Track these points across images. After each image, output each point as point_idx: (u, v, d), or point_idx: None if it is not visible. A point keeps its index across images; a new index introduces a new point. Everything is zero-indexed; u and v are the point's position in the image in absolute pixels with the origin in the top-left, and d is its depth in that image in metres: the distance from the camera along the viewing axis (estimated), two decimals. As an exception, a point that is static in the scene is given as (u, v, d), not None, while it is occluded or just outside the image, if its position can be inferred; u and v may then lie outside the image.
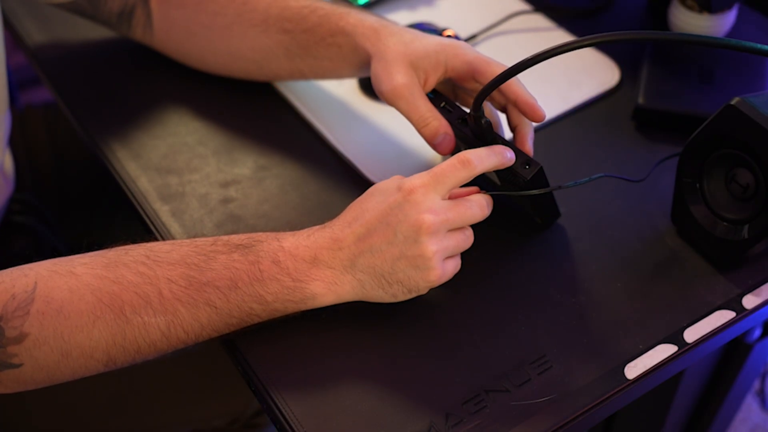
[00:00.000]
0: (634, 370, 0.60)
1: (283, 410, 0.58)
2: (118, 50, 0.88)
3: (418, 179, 0.59)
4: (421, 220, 0.58)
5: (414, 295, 0.61)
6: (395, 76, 0.67)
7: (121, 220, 0.97)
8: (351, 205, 0.62)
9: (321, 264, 0.59)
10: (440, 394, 0.59)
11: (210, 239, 0.61)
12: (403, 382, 0.60)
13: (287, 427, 0.58)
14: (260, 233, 0.61)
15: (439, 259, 0.59)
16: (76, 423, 0.84)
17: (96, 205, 1.00)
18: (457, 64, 0.66)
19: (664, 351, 0.61)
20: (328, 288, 0.60)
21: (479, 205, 0.61)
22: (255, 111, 0.83)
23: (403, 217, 0.58)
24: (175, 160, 0.77)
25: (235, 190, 0.74)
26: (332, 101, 0.83)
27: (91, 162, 0.84)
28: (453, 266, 0.61)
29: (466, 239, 0.61)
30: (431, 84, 0.68)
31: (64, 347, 0.57)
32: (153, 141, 0.79)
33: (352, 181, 0.75)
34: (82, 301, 0.56)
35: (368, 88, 0.84)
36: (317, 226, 0.62)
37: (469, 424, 0.57)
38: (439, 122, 0.67)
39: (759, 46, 0.53)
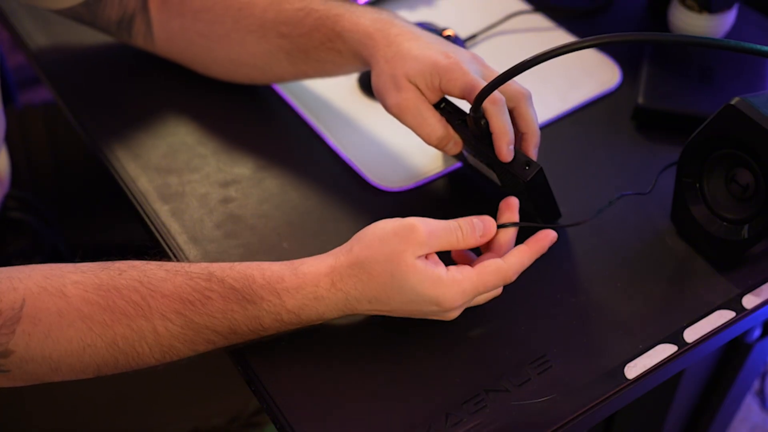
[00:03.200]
0: (634, 370, 0.60)
1: (282, 409, 0.58)
2: (118, 51, 0.88)
3: (461, 300, 0.57)
4: (449, 316, 0.59)
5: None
6: (399, 92, 0.66)
7: (121, 220, 0.97)
8: (370, 275, 0.57)
9: (327, 318, 0.59)
10: (440, 394, 0.59)
11: (204, 272, 0.58)
12: (403, 382, 0.60)
13: (287, 427, 0.58)
14: (255, 274, 0.58)
15: (459, 313, 0.60)
16: (76, 423, 0.84)
17: (96, 205, 1.00)
18: (450, 88, 0.65)
19: (664, 351, 0.61)
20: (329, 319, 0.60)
21: (505, 280, 0.59)
22: (255, 111, 0.83)
23: (431, 314, 0.59)
24: (175, 160, 0.77)
25: (235, 190, 0.74)
26: (332, 101, 0.83)
27: (91, 162, 0.84)
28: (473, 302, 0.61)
29: (494, 295, 0.61)
30: (431, 100, 0.67)
31: (53, 365, 0.56)
32: (153, 141, 0.79)
33: (352, 181, 0.75)
34: (71, 328, 0.55)
35: (368, 88, 0.84)
36: (326, 284, 0.57)
37: (469, 424, 0.57)
38: (445, 132, 0.67)
39: (758, 47, 0.53)
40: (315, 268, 0.58)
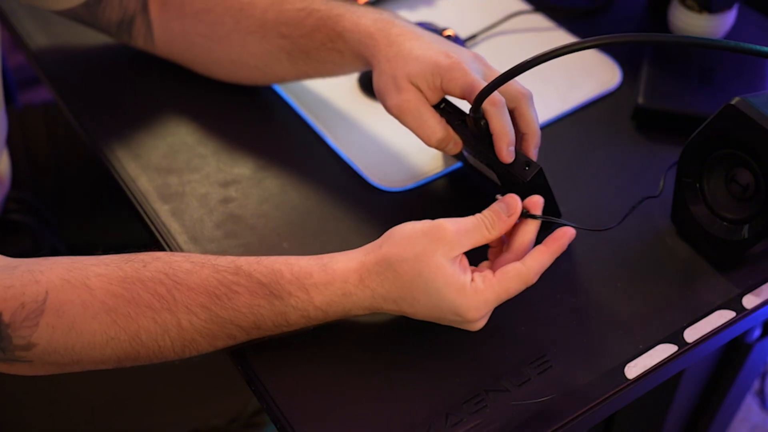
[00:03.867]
0: (634, 370, 0.60)
1: (283, 409, 0.58)
2: (118, 51, 0.88)
3: (484, 310, 0.57)
4: (474, 327, 0.59)
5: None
6: (399, 93, 0.66)
7: (121, 220, 0.97)
8: (396, 274, 0.56)
9: (353, 315, 0.59)
10: (440, 394, 0.59)
11: (231, 266, 0.58)
12: (403, 382, 0.60)
13: (287, 427, 0.58)
14: (283, 269, 0.58)
15: (484, 323, 0.59)
16: (74, 424, 0.84)
17: (96, 205, 1.00)
18: (450, 88, 0.65)
19: (664, 351, 0.61)
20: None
21: (526, 283, 0.58)
22: (255, 111, 0.83)
23: (455, 323, 0.59)
24: (175, 160, 0.77)
25: (235, 190, 0.74)
26: (332, 101, 0.83)
27: (91, 162, 0.84)
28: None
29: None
30: (432, 100, 0.67)
31: (75, 357, 0.56)
32: (153, 141, 0.79)
33: (352, 181, 0.75)
34: (95, 320, 0.55)
35: (368, 88, 0.84)
36: (355, 280, 0.57)
37: (469, 424, 0.57)
38: (445, 133, 0.67)
39: (758, 47, 0.53)
40: (344, 264, 0.58)
